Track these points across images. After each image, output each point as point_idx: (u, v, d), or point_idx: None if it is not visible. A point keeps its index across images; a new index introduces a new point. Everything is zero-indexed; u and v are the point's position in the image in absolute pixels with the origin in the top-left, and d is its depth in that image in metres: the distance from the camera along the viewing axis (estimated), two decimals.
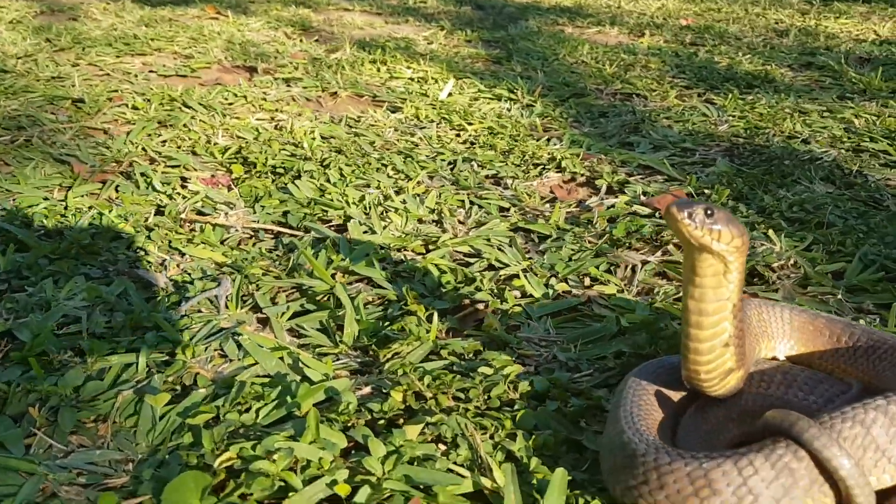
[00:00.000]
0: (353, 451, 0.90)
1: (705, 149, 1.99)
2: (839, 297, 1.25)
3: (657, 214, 1.55)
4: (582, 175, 1.84)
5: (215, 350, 1.11)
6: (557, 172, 1.87)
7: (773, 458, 0.75)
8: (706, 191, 1.67)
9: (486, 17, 4.24)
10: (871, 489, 0.74)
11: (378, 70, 2.92)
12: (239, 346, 1.11)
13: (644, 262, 1.37)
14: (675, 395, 0.94)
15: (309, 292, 1.28)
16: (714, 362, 0.84)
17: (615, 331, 1.15)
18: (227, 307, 1.23)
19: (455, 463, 0.89)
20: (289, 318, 1.21)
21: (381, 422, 0.96)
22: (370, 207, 1.60)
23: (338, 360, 1.11)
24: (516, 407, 0.98)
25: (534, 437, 0.92)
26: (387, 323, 1.18)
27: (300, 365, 1.07)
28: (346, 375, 1.06)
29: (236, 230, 1.53)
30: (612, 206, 1.62)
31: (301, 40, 3.56)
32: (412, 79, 2.79)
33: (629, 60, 3.00)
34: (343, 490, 0.84)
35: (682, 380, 0.92)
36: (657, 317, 1.15)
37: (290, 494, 0.83)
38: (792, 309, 1.04)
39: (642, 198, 1.65)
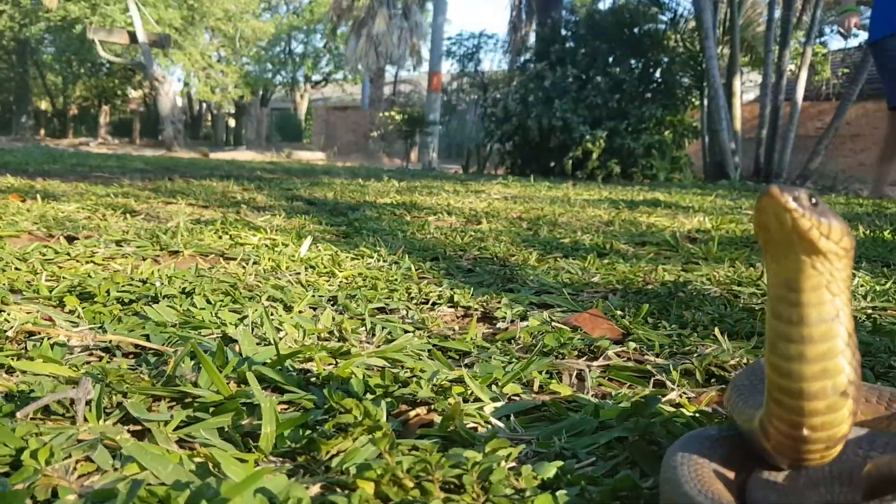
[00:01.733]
0: None
1: (590, 291, 1.95)
2: None
3: (581, 331, 1.42)
4: (477, 310, 1.70)
5: (78, 459, 0.76)
6: (450, 308, 1.71)
7: None
8: (619, 311, 1.59)
9: (322, 210, 4.21)
10: None
11: (220, 237, 2.69)
12: (115, 454, 0.78)
13: (589, 368, 1.21)
14: (731, 472, 0.74)
15: (197, 402, 0.97)
16: (826, 415, 0.64)
17: (596, 424, 0.96)
18: (85, 419, 0.89)
19: None
20: (175, 429, 0.89)
21: None
22: (258, 323, 1.32)
23: (258, 466, 0.80)
24: (527, 494, 0.73)
25: None
26: (309, 431, 0.90)
27: (212, 469, 0.76)
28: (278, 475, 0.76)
29: (83, 349, 1.18)
30: (527, 326, 1.48)
31: (125, 218, 3.26)
32: (259, 245, 2.59)
33: (478, 235, 3.04)
34: None
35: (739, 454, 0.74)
36: (644, 401, 0.97)
37: None
38: None
39: (557, 318, 1.52)
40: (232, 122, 31.59)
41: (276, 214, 3.69)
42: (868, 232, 3.56)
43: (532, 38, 15.07)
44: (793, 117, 10.93)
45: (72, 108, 34.84)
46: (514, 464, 0.81)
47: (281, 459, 0.84)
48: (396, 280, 1.97)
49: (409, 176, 9.01)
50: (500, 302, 1.76)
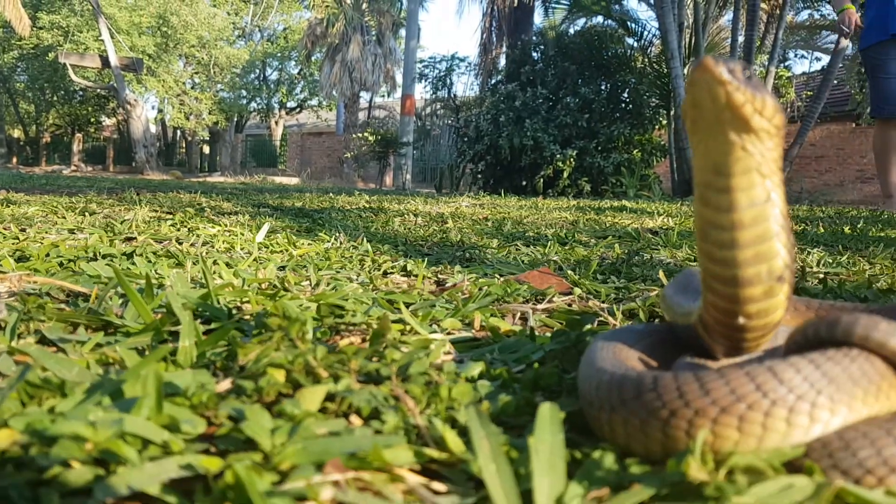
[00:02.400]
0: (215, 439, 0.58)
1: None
2: None
3: (528, 285, 1.41)
4: (431, 279, 1.68)
5: None
6: (404, 277, 1.69)
7: (844, 352, 0.57)
8: (571, 271, 1.58)
9: (287, 214, 4.17)
10: None
11: (178, 229, 2.64)
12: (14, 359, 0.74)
13: (534, 311, 1.20)
14: (655, 362, 0.73)
15: (121, 330, 0.93)
16: (762, 301, 0.62)
17: (532, 346, 0.94)
18: None
19: (379, 433, 0.60)
20: (92, 349, 0.86)
21: (257, 406, 0.65)
22: (195, 265, 1.29)
23: None
24: (446, 384, 0.71)
25: (484, 403, 0.66)
26: (230, 346, 0.87)
27: (116, 370, 0.73)
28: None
29: (10, 295, 1.14)
30: (476, 281, 1.46)
31: (84, 217, 3.20)
32: (217, 234, 2.55)
33: (442, 229, 3.02)
34: (211, 464, 0.52)
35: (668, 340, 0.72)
36: (579, 318, 0.96)
37: (118, 470, 0.50)
38: None
39: (508, 277, 1.51)
40: (206, 149, 31.45)
41: (241, 216, 3.65)
42: (829, 228, 3.60)
43: (503, 61, 15.24)
44: None
45: (45, 135, 34.47)
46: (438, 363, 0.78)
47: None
48: (353, 258, 1.94)
49: (383, 194, 9.00)
50: (453, 272, 1.74)
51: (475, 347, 0.98)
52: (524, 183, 10.80)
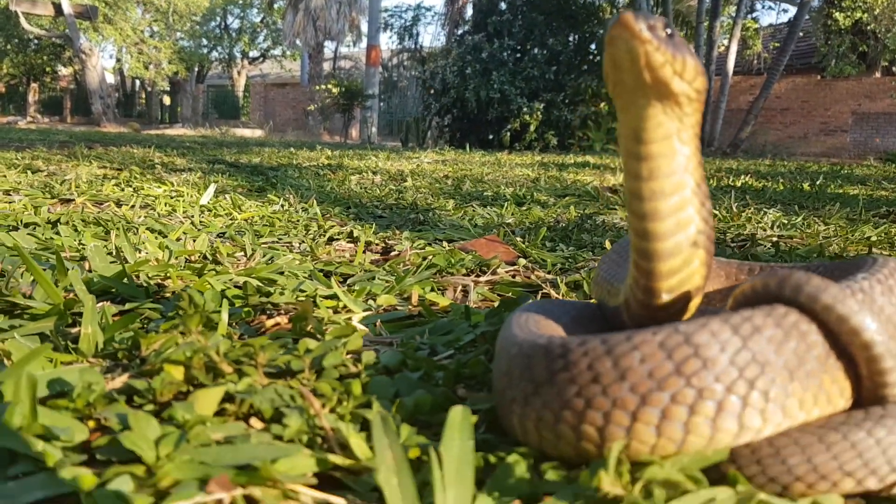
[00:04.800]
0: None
1: (500, 230, 1.89)
2: None
3: (474, 253, 1.36)
4: (378, 245, 1.62)
5: None
6: (350, 243, 1.63)
7: (778, 315, 0.53)
8: (519, 238, 1.53)
9: (242, 171, 4.06)
10: None
11: (122, 189, 2.54)
12: None
13: (476, 283, 1.15)
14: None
15: (27, 313, 0.87)
16: (681, 272, 0.59)
17: (465, 326, 0.89)
18: None
19: (280, 439, 0.56)
20: None
21: (150, 407, 0.60)
22: (118, 237, 1.22)
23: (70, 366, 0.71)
24: (362, 377, 0.67)
25: (398, 402, 0.61)
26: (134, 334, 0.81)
27: (4, 363, 0.67)
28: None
29: None
30: (423, 248, 1.41)
31: (27, 175, 3.07)
32: (161, 196, 2.46)
33: (399, 188, 2.96)
34: (85, 482, 0.47)
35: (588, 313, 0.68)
36: (514, 299, 0.92)
37: None
38: None
39: (455, 244, 1.46)
40: (167, 100, 30.61)
41: (193, 174, 3.53)
42: (788, 185, 3.61)
43: (469, 11, 14.95)
44: (724, 89, 11.11)
45: None
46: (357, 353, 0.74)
47: (102, 360, 0.75)
48: (299, 222, 1.87)
49: (346, 149, 8.84)
50: (402, 238, 1.69)
51: (408, 326, 0.93)
52: (491, 137, 10.71)
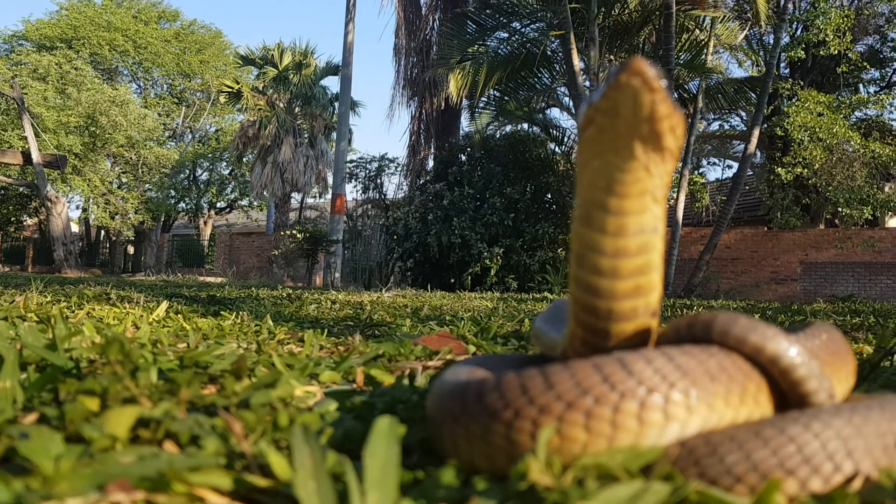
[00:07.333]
0: None
1: None
2: None
3: (424, 346, 1.34)
4: (329, 348, 1.59)
5: None
6: (299, 346, 1.60)
7: (703, 347, 0.53)
8: (472, 335, 1.52)
9: (199, 302, 4.02)
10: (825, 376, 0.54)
11: (71, 311, 2.49)
12: None
13: (425, 368, 1.13)
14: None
15: None
16: (634, 341, 0.58)
17: (410, 390, 0.87)
18: None
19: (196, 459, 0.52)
20: None
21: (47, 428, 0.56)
22: (56, 324, 1.18)
23: None
24: (292, 412, 0.63)
25: (328, 431, 0.59)
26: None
27: None
28: None
29: None
30: (368, 342, 1.38)
31: None
32: (107, 314, 2.41)
33: (357, 311, 2.94)
34: None
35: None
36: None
37: None
38: None
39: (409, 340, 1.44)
40: (131, 249, 30.68)
41: (148, 302, 3.48)
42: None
43: (431, 163, 15.60)
44: (674, 237, 11.55)
45: None
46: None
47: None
48: (248, 332, 1.84)
49: (309, 290, 8.85)
50: (354, 342, 1.66)
51: (349, 396, 0.90)
52: (452, 280, 10.84)
